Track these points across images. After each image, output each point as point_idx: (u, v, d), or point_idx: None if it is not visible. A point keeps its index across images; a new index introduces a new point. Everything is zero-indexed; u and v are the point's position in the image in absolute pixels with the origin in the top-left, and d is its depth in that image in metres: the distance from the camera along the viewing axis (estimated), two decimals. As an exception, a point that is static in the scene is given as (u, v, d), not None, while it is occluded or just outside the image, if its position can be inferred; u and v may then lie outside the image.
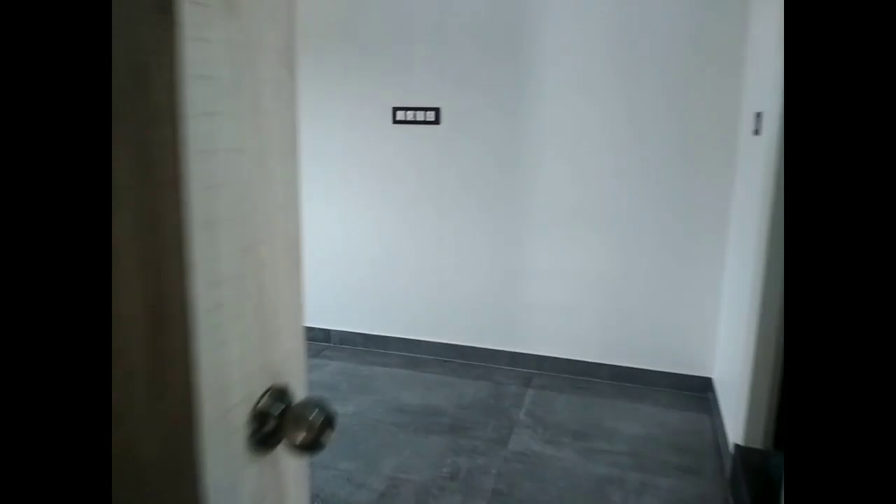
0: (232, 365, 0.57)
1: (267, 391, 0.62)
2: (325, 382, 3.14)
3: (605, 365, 3.11)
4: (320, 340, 3.56)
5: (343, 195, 3.35)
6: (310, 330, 3.58)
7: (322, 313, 3.54)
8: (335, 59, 3.20)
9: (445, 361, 3.33)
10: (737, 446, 2.23)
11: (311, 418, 0.61)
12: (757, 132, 2.26)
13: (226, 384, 0.56)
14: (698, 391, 3.00)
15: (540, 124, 2.97)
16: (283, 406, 0.63)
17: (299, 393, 0.69)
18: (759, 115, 2.23)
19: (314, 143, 3.33)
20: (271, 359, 0.62)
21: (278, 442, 0.63)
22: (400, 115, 3.13)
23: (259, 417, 0.61)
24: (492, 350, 3.26)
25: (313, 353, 3.47)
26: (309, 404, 0.63)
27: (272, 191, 0.60)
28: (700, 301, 2.94)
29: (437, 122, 3.08)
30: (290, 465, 0.73)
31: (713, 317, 2.93)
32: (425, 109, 3.08)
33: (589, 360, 3.13)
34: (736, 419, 2.30)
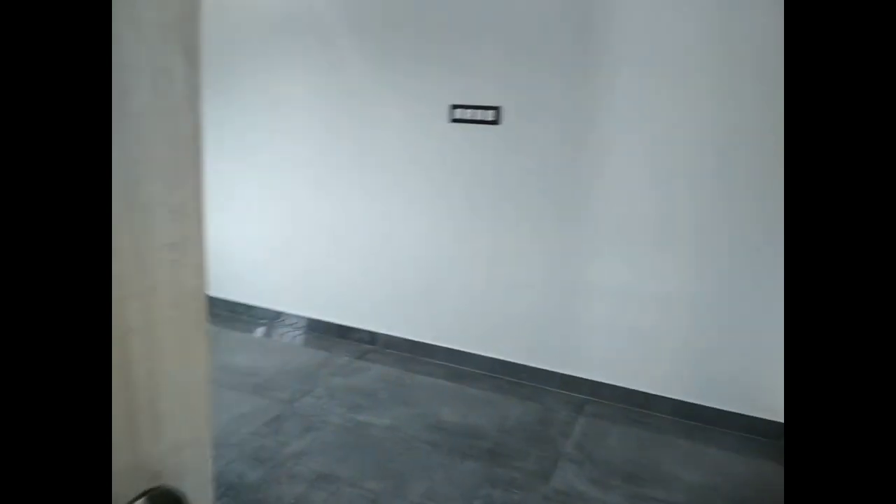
0: (72, 470, 0.40)
1: (142, 495, 0.45)
2: (364, 388, 3.01)
3: (667, 398, 2.81)
4: (365, 342, 3.44)
5: (396, 194, 3.20)
6: (355, 331, 3.47)
7: (369, 315, 3.42)
8: (393, 50, 3.04)
9: (492, 377, 3.12)
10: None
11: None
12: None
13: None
14: (772, 438, 2.65)
15: (610, 129, 2.70)
16: (161, 520, 0.46)
17: (200, 498, 0.51)
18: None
19: (371, 137, 3.19)
20: (148, 454, 0.45)
21: (148, 571, 0.46)
22: (458, 114, 2.94)
23: (128, 530, 0.44)
24: (543, 370, 3.03)
25: (357, 355, 3.35)
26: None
27: (151, 225, 0.43)
28: (782, 336, 2.59)
29: (496, 121, 2.87)
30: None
31: (797, 356, 2.57)
32: (485, 108, 2.87)
33: (650, 391, 2.84)
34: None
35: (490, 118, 2.86)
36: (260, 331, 3.67)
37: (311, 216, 3.45)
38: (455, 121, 2.95)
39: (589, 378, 2.95)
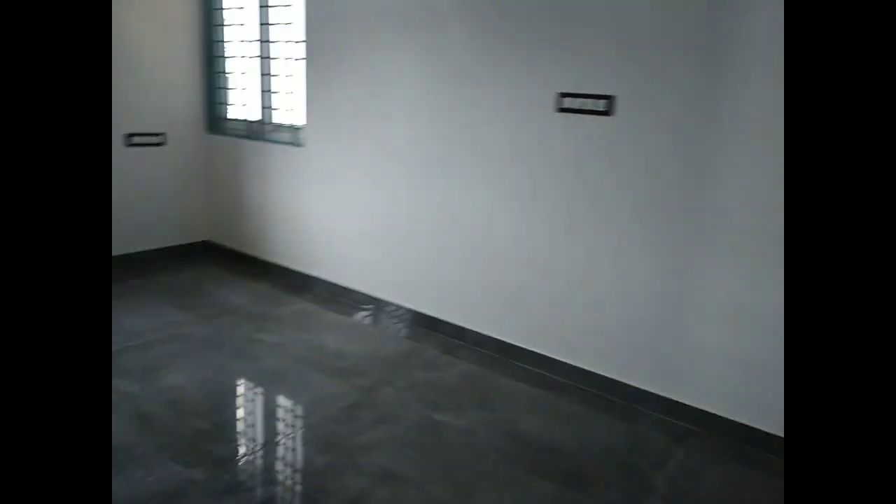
0: None
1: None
2: (445, 385, 2.89)
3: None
4: (454, 337, 3.32)
5: (496, 185, 3.03)
6: (445, 324, 3.36)
7: (459, 309, 3.30)
8: (501, 33, 2.86)
9: (582, 390, 2.88)
10: None
11: None
12: None
13: None
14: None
15: (738, 126, 2.35)
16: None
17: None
18: None
19: (474, 124, 3.05)
20: None
21: None
22: (566, 102, 2.70)
23: None
24: (640, 390, 2.74)
25: (444, 349, 3.25)
26: None
27: None
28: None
29: (608, 112, 2.60)
30: None
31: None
32: (595, 97, 2.61)
33: (767, 429, 2.46)
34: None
35: (601, 108, 2.60)
36: (355, 314, 3.69)
37: (410, 203, 3.39)
38: (562, 110, 2.72)
39: (694, 405, 2.62)
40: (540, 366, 3.01)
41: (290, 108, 3.92)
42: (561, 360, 2.95)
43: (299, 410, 2.71)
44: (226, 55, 4.27)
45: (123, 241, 4.12)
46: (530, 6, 2.77)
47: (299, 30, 3.69)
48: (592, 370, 2.86)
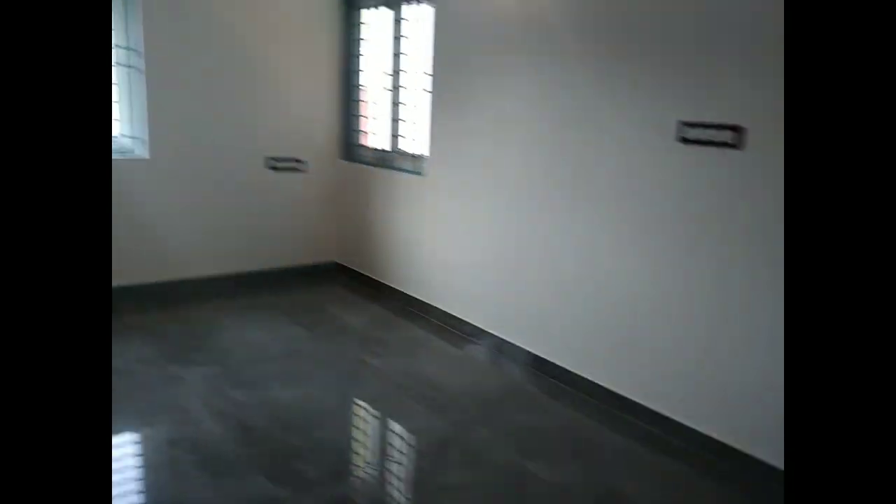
0: None
1: None
2: (545, 433, 2.71)
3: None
4: (562, 381, 3.11)
5: (609, 221, 2.82)
6: (553, 366, 3.17)
7: (569, 351, 3.10)
8: (618, 59, 2.67)
9: (698, 455, 2.54)
10: None
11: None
12: None
13: None
14: None
15: None
16: None
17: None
18: None
19: (589, 155, 2.88)
20: None
21: None
22: (687, 133, 2.44)
23: None
24: (765, 463, 2.35)
25: (550, 393, 3.06)
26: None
27: None
28: None
29: (736, 145, 2.30)
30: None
31: None
32: (721, 127, 2.33)
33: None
34: None
35: (729, 140, 2.31)
36: (464, 346, 3.62)
37: (526, 237, 3.27)
38: (683, 140, 2.46)
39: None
40: (652, 423, 2.72)
41: (414, 138, 4.00)
42: (677, 419, 2.63)
43: (392, 441, 2.68)
44: (361, 85, 4.48)
45: (260, 258, 4.44)
46: (653, 29, 2.56)
47: (427, 62, 3.76)
48: (712, 435, 2.51)
